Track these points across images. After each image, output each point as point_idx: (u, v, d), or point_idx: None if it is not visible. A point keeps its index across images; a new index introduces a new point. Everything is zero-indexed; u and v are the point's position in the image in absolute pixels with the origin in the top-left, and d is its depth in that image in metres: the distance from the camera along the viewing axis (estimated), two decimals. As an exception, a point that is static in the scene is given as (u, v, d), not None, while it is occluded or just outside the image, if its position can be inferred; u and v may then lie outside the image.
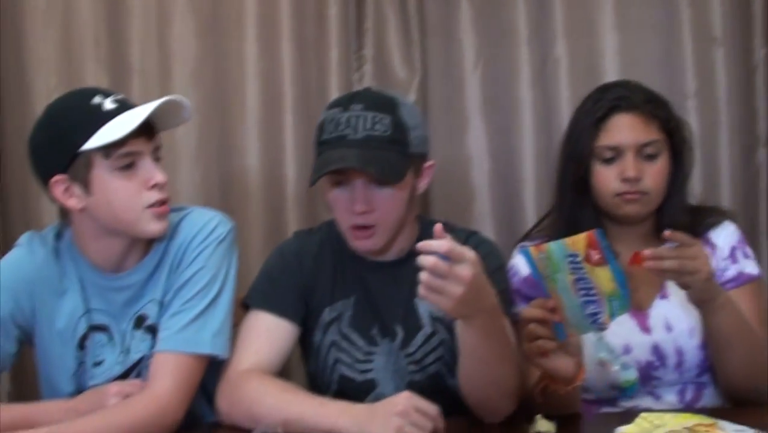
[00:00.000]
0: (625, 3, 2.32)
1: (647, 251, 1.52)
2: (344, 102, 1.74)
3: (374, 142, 1.67)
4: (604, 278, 1.43)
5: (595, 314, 1.46)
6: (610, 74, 2.30)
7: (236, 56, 2.36)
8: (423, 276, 1.39)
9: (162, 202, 1.64)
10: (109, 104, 1.60)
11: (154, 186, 1.62)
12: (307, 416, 1.53)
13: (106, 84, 2.32)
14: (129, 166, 1.60)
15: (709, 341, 1.69)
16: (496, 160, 2.36)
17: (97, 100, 1.61)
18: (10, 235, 2.36)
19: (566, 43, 2.32)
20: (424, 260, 1.39)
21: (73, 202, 1.63)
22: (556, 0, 2.32)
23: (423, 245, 1.39)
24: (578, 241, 1.42)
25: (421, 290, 1.41)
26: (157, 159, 1.65)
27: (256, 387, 1.62)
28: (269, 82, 2.35)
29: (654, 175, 1.75)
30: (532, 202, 2.33)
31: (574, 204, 1.83)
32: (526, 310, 1.53)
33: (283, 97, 2.35)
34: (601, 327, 1.49)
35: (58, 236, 1.76)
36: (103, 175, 1.60)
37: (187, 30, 2.35)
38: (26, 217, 2.37)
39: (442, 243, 1.39)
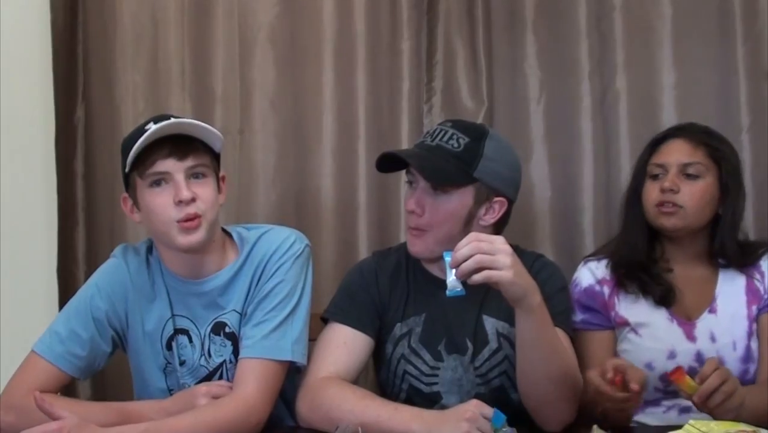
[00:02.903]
0: (683, 40, 2.38)
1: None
2: (444, 120, 1.93)
3: (440, 152, 1.81)
4: None
5: None
6: (667, 108, 2.38)
7: (313, 86, 2.47)
8: (476, 259, 1.53)
9: (188, 219, 1.72)
10: (152, 126, 1.71)
11: (180, 202, 1.71)
12: (382, 420, 1.63)
13: (190, 110, 2.47)
14: (158, 183, 1.72)
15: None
16: (556, 188, 2.43)
17: (149, 125, 1.72)
18: (96, 247, 2.52)
19: (626, 77, 2.39)
20: (466, 248, 1.54)
21: (135, 217, 1.79)
22: (617, 36, 2.39)
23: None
24: None
25: (479, 276, 1.53)
26: (195, 177, 1.74)
27: (334, 393, 1.73)
28: (344, 110, 2.46)
29: (692, 192, 1.90)
30: (591, 228, 2.39)
31: (628, 217, 2.00)
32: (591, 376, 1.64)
33: (357, 125, 2.46)
34: None
35: (149, 249, 1.89)
36: (142, 192, 1.74)
37: (267, 61, 2.47)
38: (112, 233, 2.51)
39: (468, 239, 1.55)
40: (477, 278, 1.54)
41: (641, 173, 1.99)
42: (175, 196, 1.71)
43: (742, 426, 1.48)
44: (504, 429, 1.52)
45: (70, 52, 2.52)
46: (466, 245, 1.55)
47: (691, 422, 1.50)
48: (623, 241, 2.00)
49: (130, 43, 2.51)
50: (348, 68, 2.46)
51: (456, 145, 1.81)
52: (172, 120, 1.73)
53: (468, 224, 1.83)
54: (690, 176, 1.91)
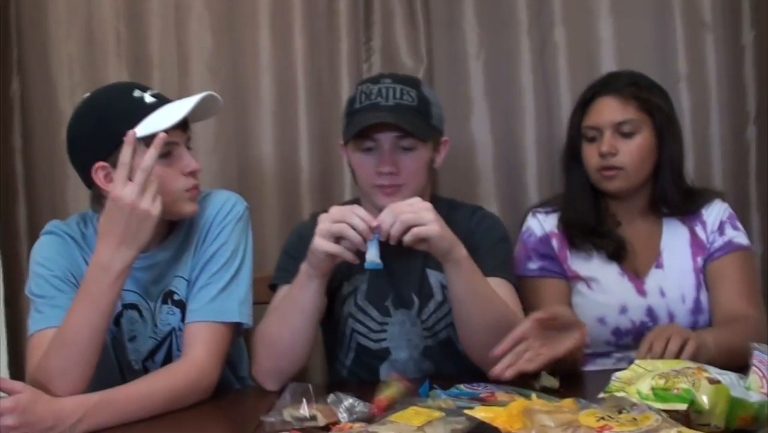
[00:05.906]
0: (620, -10, 2.39)
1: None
2: (374, 78, 1.89)
3: (403, 109, 1.80)
4: None
5: None
6: (606, 59, 2.40)
7: (250, 50, 2.45)
8: (402, 220, 1.58)
9: (195, 187, 1.74)
10: (148, 98, 1.69)
11: (191, 173, 1.71)
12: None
13: (127, 78, 2.44)
14: (167, 155, 1.68)
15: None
16: (499, 144, 2.44)
17: (137, 93, 1.69)
18: (37, 222, 2.46)
19: (564, 30, 2.41)
20: (389, 215, 1.59)
21: (110, 187, 1.70)
22: (553, -12, 2.40)
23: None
24: None
25: (409, 236, 1.58)
26: (189, 148, 1.75)
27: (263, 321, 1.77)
28: (282, 73, 2.45)
29: (630, 151, 1.90)
30: (534, 183, 2.42)
31: (570, 179, 2.01)
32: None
33: (296, 88, 2.44)
34: None
35: (82, 223, 1.83)
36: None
37: (203, 26, 2.45)
38: (53, 206, 2.48)
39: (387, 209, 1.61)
40: (408, 238, 1.57)
41: (576, 135, 1.98)
42: (185, 167, 1.70)
43: (687, 363, 1.49)
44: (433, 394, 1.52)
45: (3, 25, 2.48)
46: (388, 213, 1.59)
47: (637, 362, 1.50)
48: (569, 204, 2.00)
49: (64, 13, 2.47)
50: (285, 30, 2.44)
51: (410, 99, 1.80)
52: (212, 93, 1.74)
53: (430, 170, 1.87)
54: (626, 134, 1.90)
